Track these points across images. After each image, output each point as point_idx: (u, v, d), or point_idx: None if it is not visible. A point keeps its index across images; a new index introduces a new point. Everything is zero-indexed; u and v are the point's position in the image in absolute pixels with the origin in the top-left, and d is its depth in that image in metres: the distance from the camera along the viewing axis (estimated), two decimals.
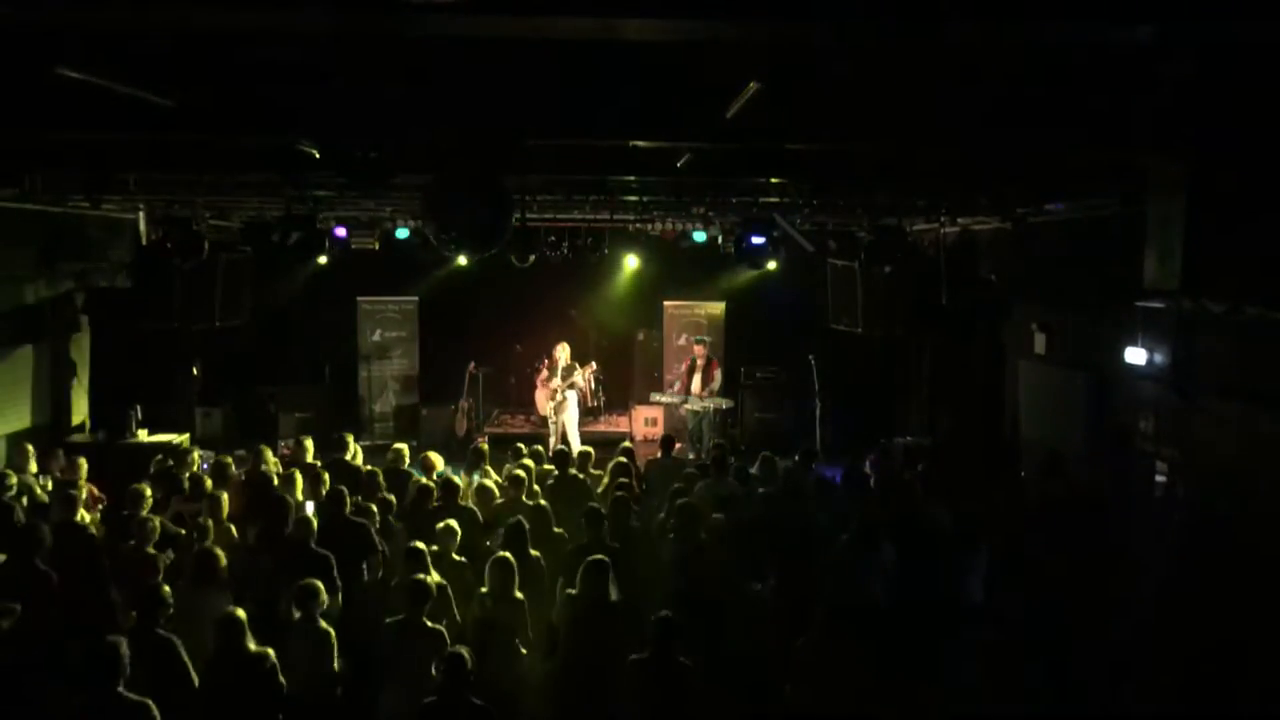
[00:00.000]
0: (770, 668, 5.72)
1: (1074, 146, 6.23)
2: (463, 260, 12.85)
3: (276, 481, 8.21)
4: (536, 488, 8.43)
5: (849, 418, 13.41)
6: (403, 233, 11.22)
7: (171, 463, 9.03)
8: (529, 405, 13.93)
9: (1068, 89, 5.08)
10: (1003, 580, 7.14)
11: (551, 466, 9.00)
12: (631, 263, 12.35)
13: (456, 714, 4.74)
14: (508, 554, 6.07)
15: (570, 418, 12.89)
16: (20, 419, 10.19)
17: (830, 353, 13.32)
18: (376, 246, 11.90)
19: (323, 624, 5.57)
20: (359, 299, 14.40)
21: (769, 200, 9.56)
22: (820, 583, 6.41)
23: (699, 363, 13.23)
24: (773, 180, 8.62)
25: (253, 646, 5.15)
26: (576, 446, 10.50)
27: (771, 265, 10.58)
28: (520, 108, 5.64)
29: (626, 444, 9.99)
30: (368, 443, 13.20)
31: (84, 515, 7.39)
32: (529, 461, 8.91)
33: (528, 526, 6.74)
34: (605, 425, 14.57)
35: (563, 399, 12.80)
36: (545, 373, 13.02)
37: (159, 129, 5.85)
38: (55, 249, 10.05)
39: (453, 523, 6.83)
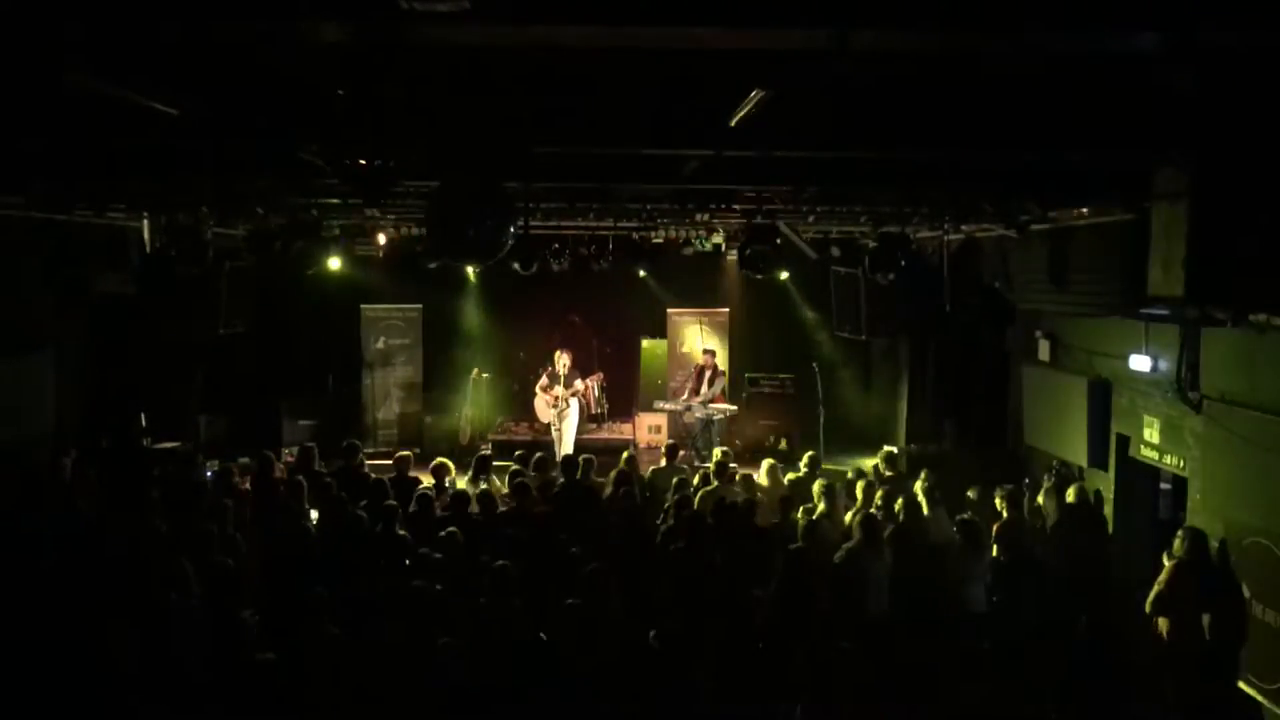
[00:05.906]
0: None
1: (1078, 154, 6.22)
2: (467, 269, 12.89)
3: (281, 489, 8.23)
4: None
5: (852, 425, 13.39)
6: None
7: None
8: (532, 413, 13.94)
9: (1071, 96, 5.07)
10: (1006, 588, 7.12)
11: (557, 474, 8.99)
12: (636, 271, 12.35)
13: None
14: None
15: (569, 426, 12.89)
16: (27, 426, 10.18)
17: (834, 360, 13.31)
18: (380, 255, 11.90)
19: None
20: (362, 306, 14.40)
21: (773, 208, 9.56)
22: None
23: (708, 373, 13.23)
24: (776, 188, 8.61)
25: None
26: (567, 452, 10.49)
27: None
28: (525, 116, 5.63)
29: (628, 452, 9.99)
30: (371, 450, 13.22)
31: None
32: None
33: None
34: (609, 433, 14.56)
35: (565, 407, 12.80)
36: (546, 380, 13.03)
37: (163, 137, 5.86)
38: (60, 257, 10.05)
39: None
